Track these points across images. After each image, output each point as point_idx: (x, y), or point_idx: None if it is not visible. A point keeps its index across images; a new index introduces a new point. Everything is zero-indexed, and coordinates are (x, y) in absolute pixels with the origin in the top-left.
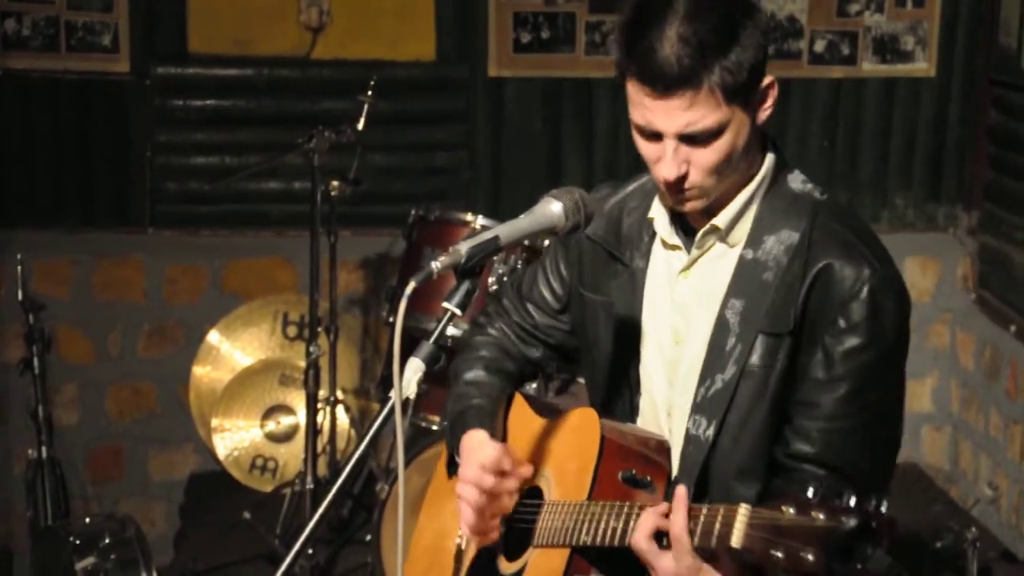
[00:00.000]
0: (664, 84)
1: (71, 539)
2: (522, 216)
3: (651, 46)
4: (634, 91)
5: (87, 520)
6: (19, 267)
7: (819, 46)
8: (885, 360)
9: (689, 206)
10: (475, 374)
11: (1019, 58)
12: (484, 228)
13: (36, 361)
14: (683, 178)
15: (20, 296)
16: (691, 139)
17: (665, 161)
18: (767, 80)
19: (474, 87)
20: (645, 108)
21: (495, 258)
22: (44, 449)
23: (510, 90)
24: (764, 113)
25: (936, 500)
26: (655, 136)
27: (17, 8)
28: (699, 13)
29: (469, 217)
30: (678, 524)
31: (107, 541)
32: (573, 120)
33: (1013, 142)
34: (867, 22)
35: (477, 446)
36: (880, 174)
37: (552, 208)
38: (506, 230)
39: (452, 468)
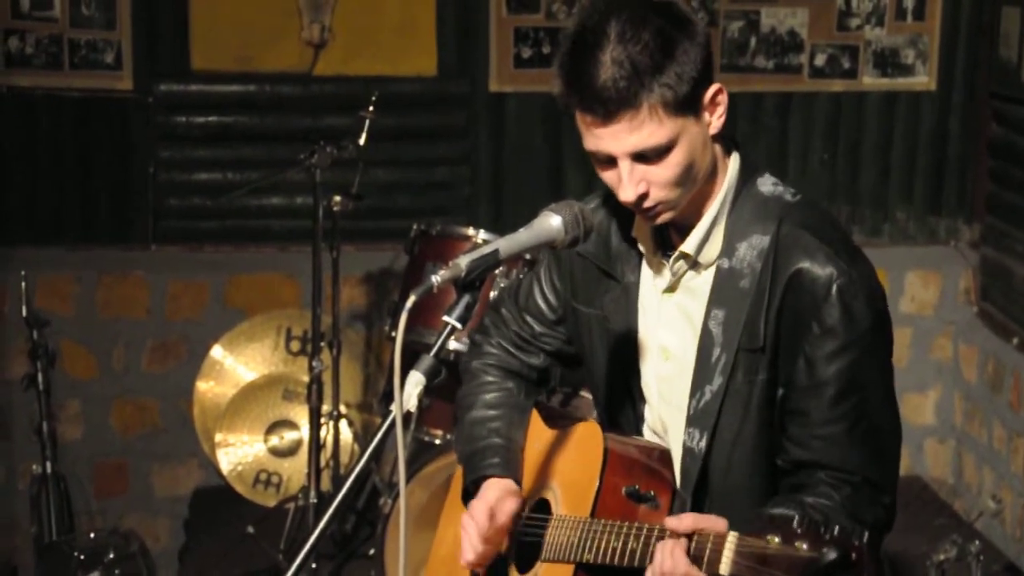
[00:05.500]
0: (605, 110)
1: (75, 554)
2: (521, 230)
3: (588, 74)
4: (580, 120)
5: (91, 535)
6: (23, 283)
7: (819, 60)
8: (865, 358)
9: (661, 219)
10: (480, 413)
11: (1019, 71)
12: (485, 242)
13: (40, 377)
14: (645, 196)
15: (24, 312)
16: (643, 157)
17: (623, 184)
18: (714, 88)
19: (475, 102)
20: (594, 136)
21: (497, 272)
22: (48, 464)
23: (511, 105)
24: (717, 121)
25: (939, 513)
26: (610, 161)
27: (20, 26)
28: (630, 35)
29: (471, 232)
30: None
31: (111, 556)
32: (574, 135)
33: (1014, 155)
34: (867, 36)
35: (501, 495)
36: (881, 187)
37: (551, 222)
38: (506, 244)
39: (467, 500)
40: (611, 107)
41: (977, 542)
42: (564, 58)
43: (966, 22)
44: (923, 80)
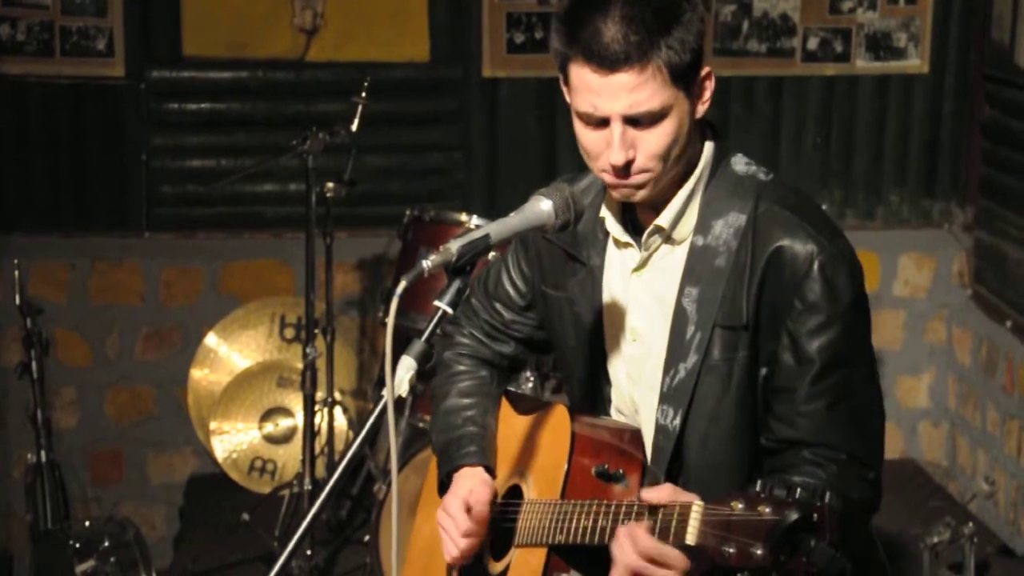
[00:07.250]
0: (611, 61)
1: (71, 542)
2: (512, 214)
3: (596, 28)
4: (578, 75)
5: (87, 523)
6: (16, 271)
7: (812, 44)
8: (848, 333)
9: (638, 196)
10: (454, 401)
11: (1012, 53)
12: (478, 228)
13: (34, 365)
14: (630, 164)
15: (18, 300)
16: (636, 122)
17: (612, 147)
18: (705, 70)
19: (468, 88)
20: (591, 92)
21: (489, 257)
22: (43, 452)
23: (504, 90)
24: (703, 106)
25: (933, 496)
26: (600, 123)
27: (12, 13)
28: None
29: (464, 217)
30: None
31: (107, 544)
32: (567, 120)
33: (1007, 137)
34: (860, 19)
35: (472, 486)
36: (874, 171)
37: (542, 206)
38: (497, 228)
39: (443, 491)
40: (617, 59)
41: (971, 524)
42: (569, 12)
43: (958, 4)
44: (916, 63)
